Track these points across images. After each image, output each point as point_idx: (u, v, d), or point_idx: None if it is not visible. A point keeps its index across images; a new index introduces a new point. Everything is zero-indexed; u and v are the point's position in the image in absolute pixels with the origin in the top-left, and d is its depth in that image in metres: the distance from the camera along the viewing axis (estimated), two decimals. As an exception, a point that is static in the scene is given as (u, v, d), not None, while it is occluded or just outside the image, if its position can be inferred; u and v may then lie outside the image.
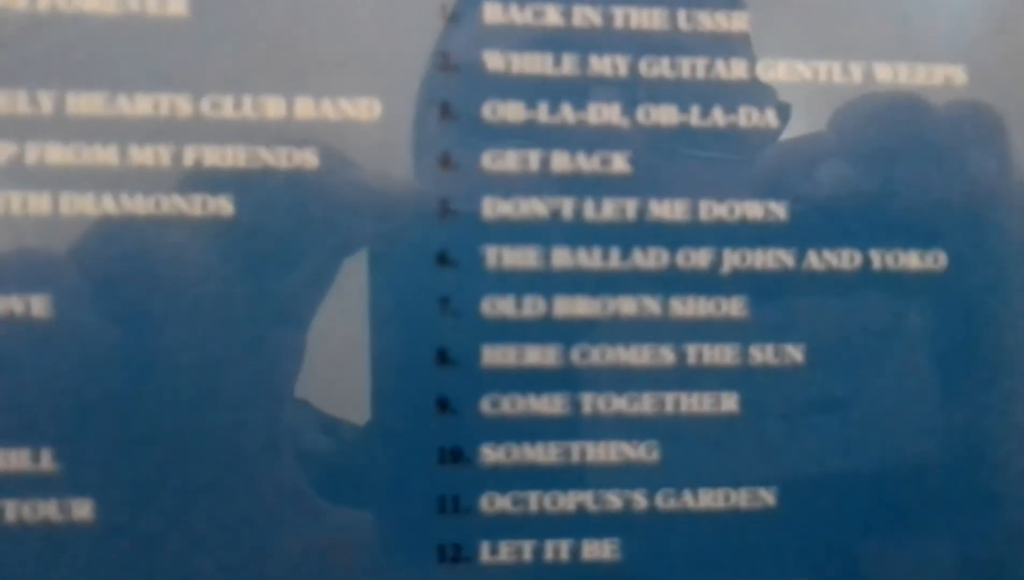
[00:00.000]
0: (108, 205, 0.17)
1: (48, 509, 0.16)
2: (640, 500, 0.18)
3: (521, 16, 0.18)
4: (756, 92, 0.18)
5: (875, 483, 0.18)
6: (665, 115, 0.18)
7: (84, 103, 0.17)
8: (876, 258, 0.19)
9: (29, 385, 0.16)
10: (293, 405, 0.17)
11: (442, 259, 0.18)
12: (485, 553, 0.18)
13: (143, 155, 0.17)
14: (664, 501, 0.18)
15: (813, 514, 0.18)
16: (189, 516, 0.17)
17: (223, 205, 0.17)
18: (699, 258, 0.18)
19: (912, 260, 0.19)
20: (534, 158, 0.18)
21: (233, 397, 0.17)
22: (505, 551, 0.18)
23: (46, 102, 0.17)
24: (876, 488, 0.18)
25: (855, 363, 0.18)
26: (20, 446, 0.16)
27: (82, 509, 0.16)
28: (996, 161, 0.19)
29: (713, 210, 0.18)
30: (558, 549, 0.18)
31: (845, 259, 0.18)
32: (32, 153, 0.17)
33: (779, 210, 0.18)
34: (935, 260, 0.19)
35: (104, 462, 0.17)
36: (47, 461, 0.17)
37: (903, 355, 0.18)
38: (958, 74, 0.19)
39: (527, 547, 0.18)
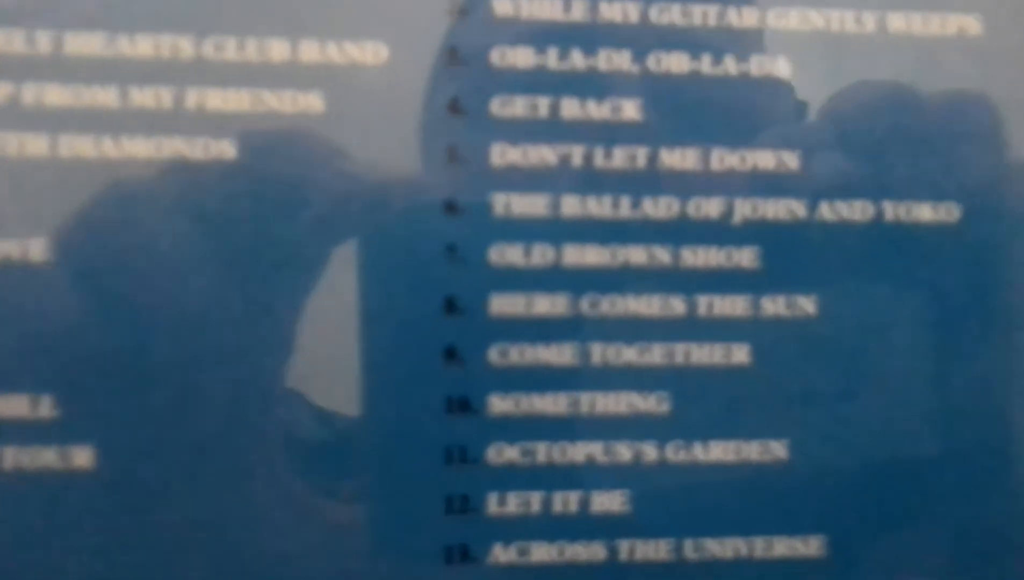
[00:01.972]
0: (108, 148, 0.16)
1: (47, 456, 0.16)
2: (650, 452, 0.17)
3: (531, -43, 0.17)
4: (768, 40, 0.18)
5: (887, 436, 0.18)
6: (676, 63, 0.18)
7: (83, 43, 0.16)
8: (888, 209, 0.18)
9: (27, 331, 0.16)
10: (297, 352, 0.17)
11: (450, 207, 0.17)
12: (493, 504, 0.17)
13: (144, 97, 0.16)
14: (674, 453, 0.17)
15: (825, 467, 0.18)
16: (189, 465, 0.16)
17: (226, 149, 0.17)
18: (710, 208, 0.17)
19: (925, 212, 0.18)
20: (543, 105, 0.17)
21: (233, 344, 0.16)
22: (513, 502, 0.17)
23: (44, 42, 0.16)
24: (888, 441, 0.18)
25: (867, 315, 0.18)
26: (19, 392, 0.16)
27: (82, 456, 0.16)
28: (1007, 114, 0.18)
29: (724, 159, 0.18)
30: (567, 500, 0.17)
31: (857, 210, 0.18)
32: (29, 94, 0.16)
33: (791, 160, 0.18)
34: (948, 212, 0.18)
35: (103, 410, 0.16)
36: (46, 408, 0.16)
37: (915, 307, 0.18)
38: (972, 24, 0.18)
39: (535, 498, 0.17)
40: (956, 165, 0.18)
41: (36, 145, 0.16)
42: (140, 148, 0.16)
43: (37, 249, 0.16)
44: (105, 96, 0.16)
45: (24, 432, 0.16)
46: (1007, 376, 0.18)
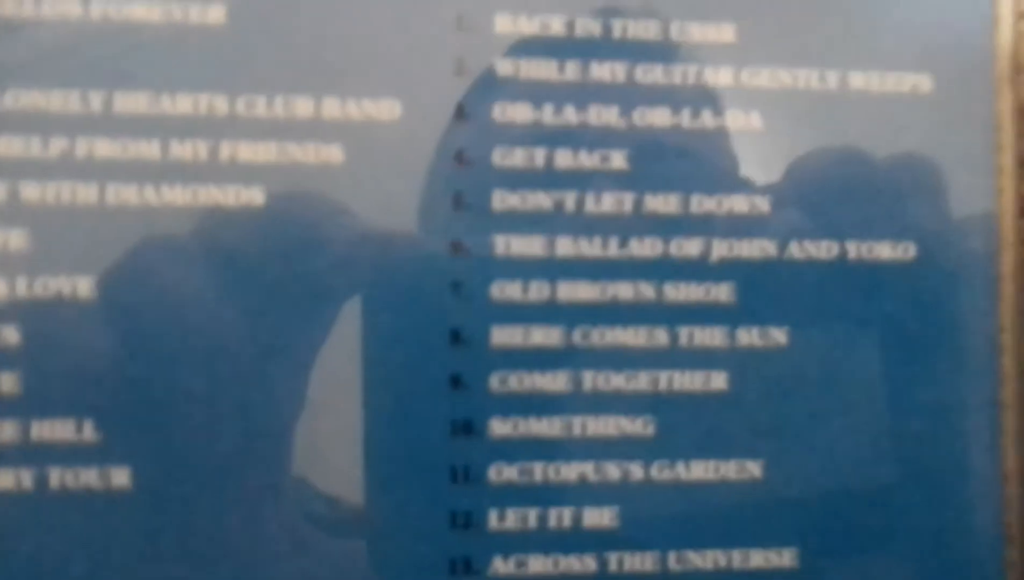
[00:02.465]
0: (149, 196, 0.18)
1: (89, 476, 0.17)
2: (637, 471, 0.19)
3: (529, 26, 0.19)
4: (741, 97, 0.20)
5: (856, 455, 0.19)
6: (659, 117, 0.20)
7: (130, 102, 0.18)
8: (852, 248, 0.20)
9: (74, 361, 0.18)
10: (315, 379, 0.18)
11: (456, 247, 0.19)
12: (493, 520, 0.18)
13: (183, 149, 0.18)
14: (659, 472, 0.19)
15: (798, 485, 0.19)
16: (213, 485, 0.18)
17: (255, 196, 0.18)
18: (690, 247, 0.19)
19: (884, 250, 0.20)
20: (540, 155, 0.19)
21: (259, 371, 0.18)
22: (512, 518, 0.18)
23: (95, 101, 0.18)
24: (858, 460, 0.19)
25: (834, 345, 0.20)
26: (64, 417, 0.17)
27: (120, 477, 0.18)
28: (956, 160, 0.20)
29: (703, 203, 0.19)
30: (561, 516, 0.19)
31: (824, 249, 0.20)
32: (81, 147, 0.18)
33: (763, 204, 0.20)
34: (905, 251, 0.20)
35: (141, 434, 0.18)
36: (89, 432, 0.18)
37: (879, 337, 0.20)
38: (924, 81, 0.20)
39: (532, 514, 0.18)
40: (914, 208, 0.20)
41: (86, 193, 0.18)
42: (178, 195, 0.18)
43: (84, 286, 0.18)
44: (148, 149, 0.18)
45: (68, 454, 0.17)
46: (963, 396, 0.20)
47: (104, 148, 0.18)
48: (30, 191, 0.17)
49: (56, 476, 0.17)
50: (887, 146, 0.20)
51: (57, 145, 0.17)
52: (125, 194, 0.18)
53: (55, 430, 0.17)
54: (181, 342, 0.18)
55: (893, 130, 0.20)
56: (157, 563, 0.17)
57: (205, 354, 0.18)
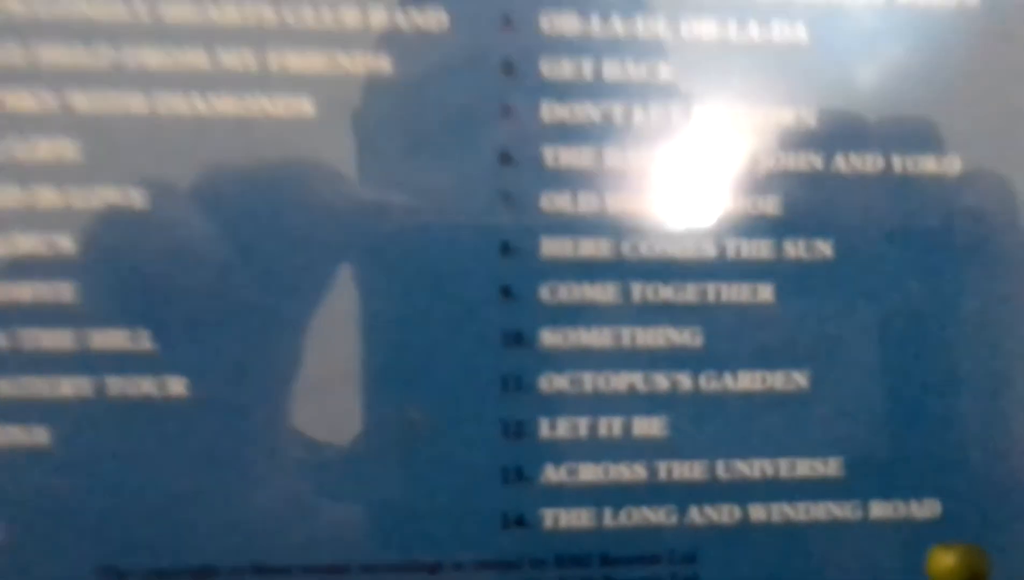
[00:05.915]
0: (199, 105, 0.18)
1: (146, 385, 0.18)
2: (685, 381, 0.19)
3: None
4: (787, 7, 0.20)
5: (902, 366, 0.20)
6: (706, 30, 0.19)
7: (177, 10, 0.18)
8: (896, 162, 0.20)
9: (128, 272, 0.18)
10: (353, 278, 0.18)
11: (504, 158, 0.19)
12: (545, 429, 0.19)
13: (231, 59, 0.18)
14: (707, 382, 0.19)
15: (844, 396, 0.19)
16: (273, 395, 0.18)
17: (304, 106, 0.18)
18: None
19: (929, 164, 0.20)
20: (588, 67, 0.19)
21: (309, 279, 0.18)
22: (563, 427, 0.19)
23: (142, 9, 0.18)
24: (904, 371, 0.20)
25: (879, 257, 0.20)
26: (119, 327, 0.18)
27: (177, 386, 0.18)
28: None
29: (750, 117, 0.20)
30: (611, 426, 0.19)
31: (869, 162, 0.20)
32: (129, 57, 0.18)
33: (809, 117, 0.20)
34: (950, 164, 0.20)
35: (195, 345, 0.18)
36: (144, 342, 0.18)
37: (924, 251, 0.20)
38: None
39: (583, 423, 0.19)
40: (958, 122, 0.20)
41: (136, 103, 0.18)
42: (228, 106, 0.18)
43: (137, 197, 0.18)
44: (196, 58, 0.18)
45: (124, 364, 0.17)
46: (1012, 314, 0.20)
47: (152, 58, 0.18)
48: (80, 100, 0.18)
49: (115, 384, 0.17)
50: (932, 59, 0.20)
51: (105, 54, 0.18)
52: (175, 104, 0.18)
53: (111, 339, 0.18)
54: (233, 250, 0.18)
55: (936, 43, 0.20)
56: (213, 471, 0.18)
57: (257, 261, 0.18)
